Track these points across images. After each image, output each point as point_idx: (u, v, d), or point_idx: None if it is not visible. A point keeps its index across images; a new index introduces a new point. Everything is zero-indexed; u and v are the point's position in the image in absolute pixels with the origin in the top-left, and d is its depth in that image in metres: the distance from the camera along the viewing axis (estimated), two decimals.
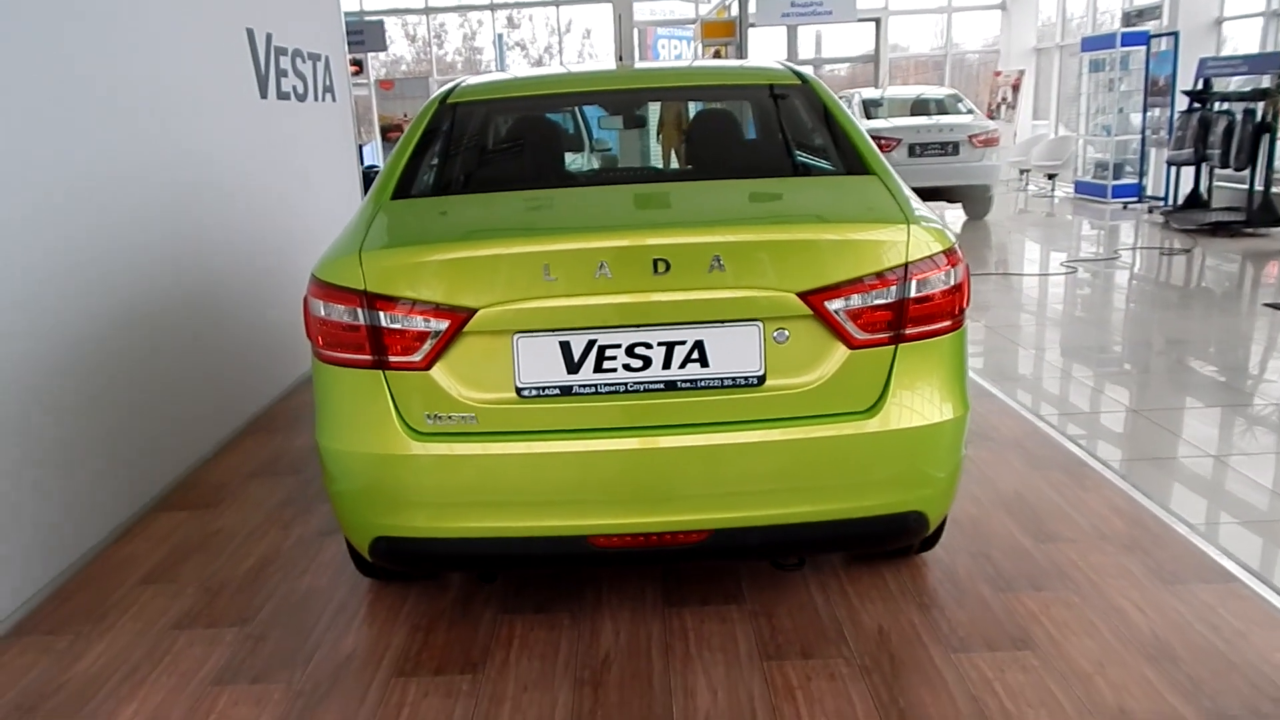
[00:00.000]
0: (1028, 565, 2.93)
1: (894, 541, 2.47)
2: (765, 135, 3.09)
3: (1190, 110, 10.11)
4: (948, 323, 2.25)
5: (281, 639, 2.67)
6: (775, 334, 2.15)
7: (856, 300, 2.15)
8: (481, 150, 2.96)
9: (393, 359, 2.15)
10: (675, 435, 2.13)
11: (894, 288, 2.17)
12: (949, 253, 2.24)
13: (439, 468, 2.14)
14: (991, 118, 17.23)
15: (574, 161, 2.95)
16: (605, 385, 2.14)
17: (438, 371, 2.14)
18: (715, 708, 2.30)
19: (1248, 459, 3.81)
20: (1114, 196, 12.39)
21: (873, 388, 2.18)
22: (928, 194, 11.64)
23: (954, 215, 12.50)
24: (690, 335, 2.13)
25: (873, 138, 10.70)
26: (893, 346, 2.19)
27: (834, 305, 2.14)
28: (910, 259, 2.17)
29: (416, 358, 2.13)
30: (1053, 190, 14.80)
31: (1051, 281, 7.84)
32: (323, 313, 2.18)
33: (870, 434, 2.16)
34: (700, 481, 2.15)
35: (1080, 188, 13.54)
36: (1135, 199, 12.15)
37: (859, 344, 2.17)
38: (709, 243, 2.10)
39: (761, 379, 2.16)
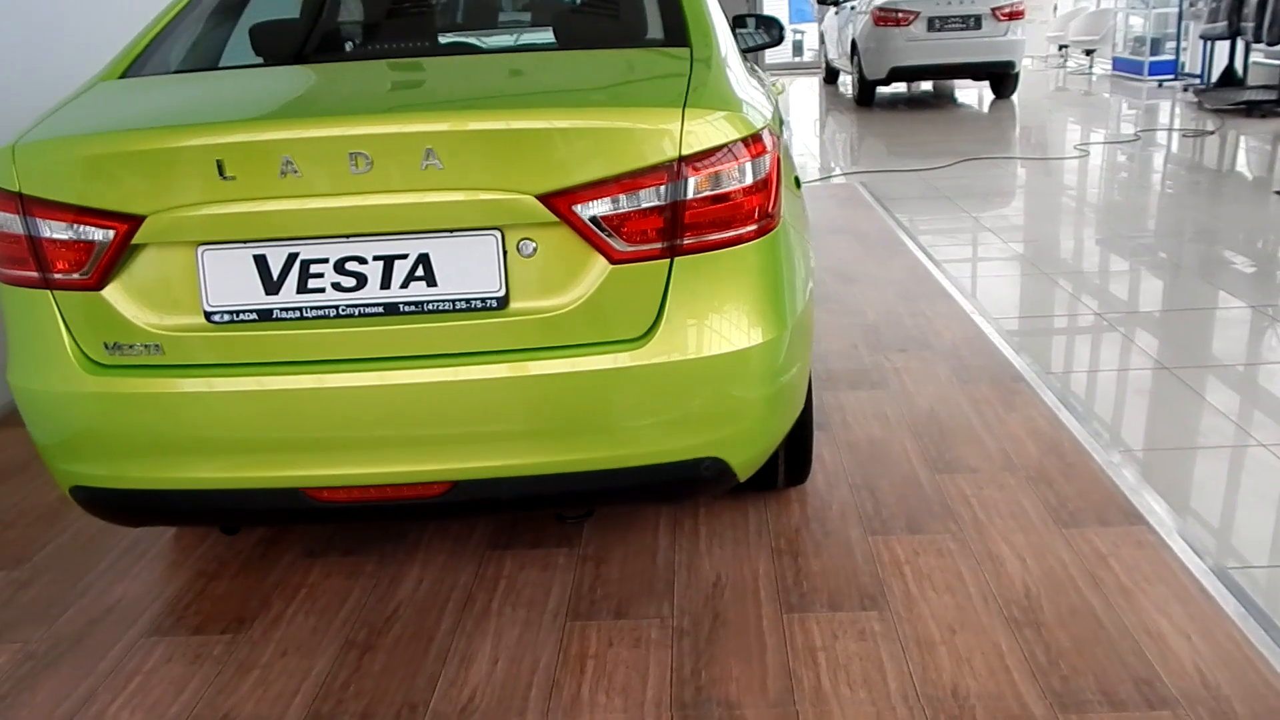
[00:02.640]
0: (913, 501, 2.53)
1: (684, 493, 2.08)
2: (586, 5, 2.58)
3: None
4: (749, 228, 1.80)
5: (47, 585, 2.39)
6: (519, 246, 1.73)
7: (614, 203, 1.71)
8: (256, 20, 2.50)
9: (58, 276, 1.77)
10: (399, 369, 1.74)
11: (663, 188, 1.72)
12: (750, 142, 1.79)
13: (121, 407, 1.78)
14: None
15: (352, 34, 2.48)
16: (312, 309, 1.74)
17: (111, 292, 1.76)
18: (488, 681, 1.97)
19: (1208, 372, 3.32)
20: (1150, 74, 11.44)
21: (644, 311, 1.76)
22: (949, 71, 10.82)
23: (987, 94, 11.67)
24: (412, 247, 1.72)
25: (889, 11, 9.89)
26: (667, 260, 1.76)
27: (586, 210, 1.71)
28: (685, 152, 1.72)
29: (84, 275, 1.75)
30: (1090, 68, 13.78)
31: (1059, 166, 7.17)
32: None
33: (640, 367, 1.75)
34: (434, 425, 1.77)
35: (1118, 64, 12.55)
36: (1171, 76, 11.18)
37: (622, 257, 1.74)
38: (415, 132, 1.66)
39: (503, 301, 1.74)
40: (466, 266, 1.72)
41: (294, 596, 2.30)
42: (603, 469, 1.82)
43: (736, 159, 1.77)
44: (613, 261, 1.73)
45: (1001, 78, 10.94)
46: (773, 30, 4.36)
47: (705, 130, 1.73)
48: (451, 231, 1.71)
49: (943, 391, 3.20)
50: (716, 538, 2.43)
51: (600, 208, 1.70)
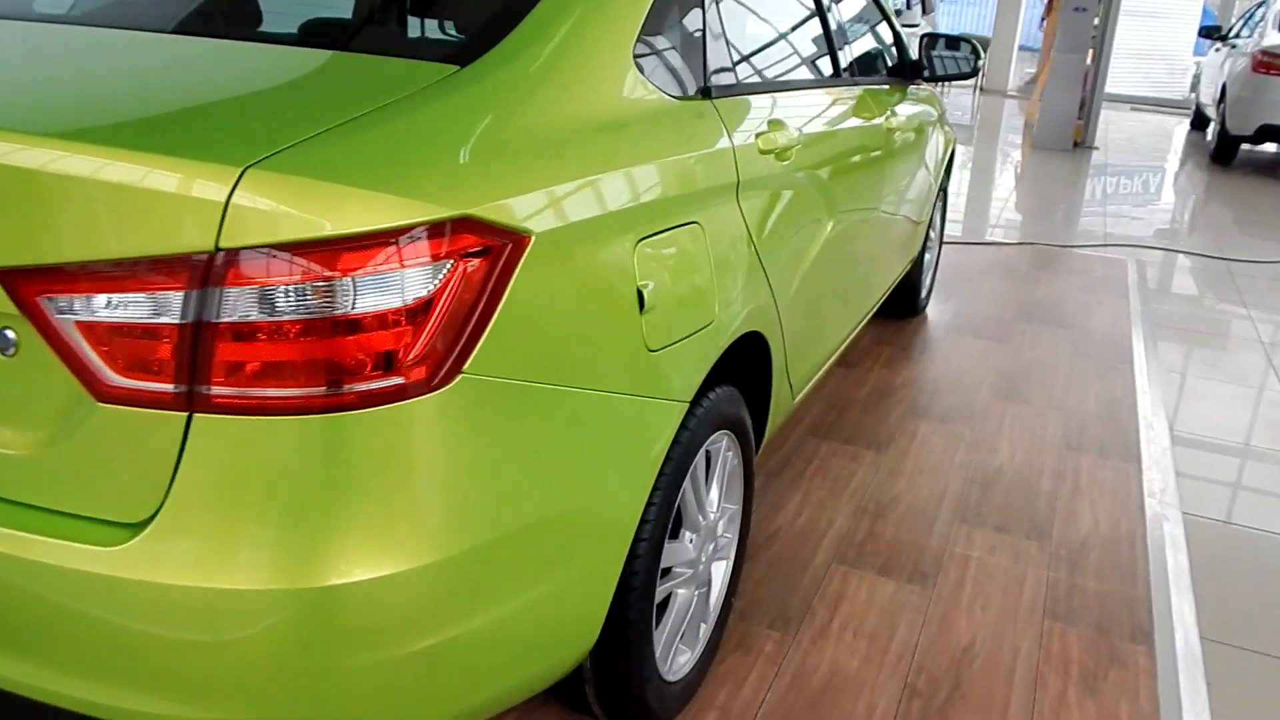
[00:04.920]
0: None
1: None
2: None
3: None
4: (369, 385, 1.03)
5: None
6: None
7: (103, 306, 1.00)
8: None
9: None
10: None
11: (180, 296, 0.99)
12: (394, 239, 1.02)
13: None
14: None
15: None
16: None
17: None
18: None
19: None
20: None
21: (143, 487, 1.02)
22: None
23: None
24: None
25: (1275, 56, 7.93)
26: (184, 414, 1.01)
27: (60, 307, 1.00)
28: (229, 243, 0.97)
29: None
30: None
31: None
32: None
33: (115, 579, 1.01)
34: None
35: None
36: None
37: (113, 394, 1.02)
38: None
39: None
40: None
41: None
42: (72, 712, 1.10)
43: (346, 266, 0.98)
44: (100, 397, 1.01)
45: None
46: (961, 59, 3.28)
47: (283, 210, 0.97)
48: None
49: (1004, 625, 2.11)
50: None
51: (81, 308, 1.00)
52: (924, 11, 10.52)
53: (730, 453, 1.89)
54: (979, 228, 6.03)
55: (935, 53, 3.29)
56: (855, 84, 2.66)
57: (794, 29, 2.34)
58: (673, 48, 1.66)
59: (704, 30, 1.76)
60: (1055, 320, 4.21)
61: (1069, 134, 9.55)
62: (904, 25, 9.62)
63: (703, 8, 1.78)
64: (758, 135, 1.84)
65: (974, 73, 3.26)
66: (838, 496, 2.61)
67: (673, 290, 1.47)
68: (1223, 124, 8.95)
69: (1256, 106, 8.41)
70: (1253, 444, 3.14)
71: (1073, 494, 2.69)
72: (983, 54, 3.31)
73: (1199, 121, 11.77)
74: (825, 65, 2.49)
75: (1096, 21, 9.48)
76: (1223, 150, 9.10)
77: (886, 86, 3.04)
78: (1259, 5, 10.22)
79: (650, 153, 1.46)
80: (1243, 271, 5.33)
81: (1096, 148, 9.85)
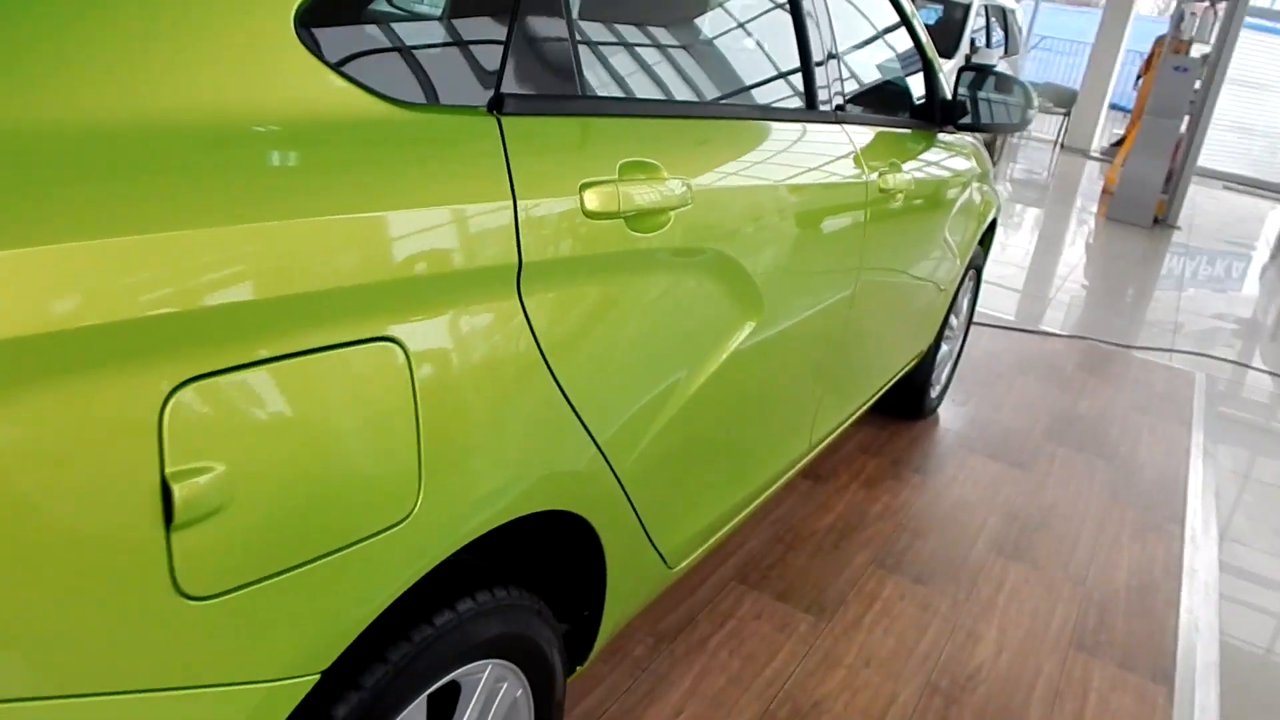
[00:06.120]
0: None
1: None
2: None
3: None
4: None
5: None
6: None
7: None
8: None
9: None
10: None
11: None
12: None
13: None
14: None
15: None
16: None
17: None
18: None
19: None
20: None
21: None
22: None
23: None
24: None
25: None
26: None
27: None
28: None
29: None
30: None
31: None
32: None
33: None
34: None
35: None
36: None
37: None
38: None
39: None
40: None
41: None
42: None
43: None
44: None
45: None
46: (1013, 105, 2.55)
47: None
48: None
49: None
50: None
51: None
52: (1005, 53, 9.63)
53: (506, 683, 1.20)
54: (1029, 309, 5.22)
55: (981, 94, 2.55)
56: (838, 120, 1.94)
57: (737, 25, 1.62)
58: (438, 20, 0.97)
59: None
60: (1095, 446, 3.42)
61: (1150, 208, 8.65)
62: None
63: None
64: (586, 186, 1.13)
65: (1023, 124, 2.52)
66: (741, 690, 1.89)
67: (290, 470, 0.78)
68: None
69: None
70: None
71: None
72: (1035, 103, 2.56)
73: None
74: (783, 88, 1.76)
75: (1197, 85, 8.57)
76: None
77: (906, 130, 2.31)
78: None
79: (257, 205, 0.76)
80: None
81: (1179, 227, 8.93)
